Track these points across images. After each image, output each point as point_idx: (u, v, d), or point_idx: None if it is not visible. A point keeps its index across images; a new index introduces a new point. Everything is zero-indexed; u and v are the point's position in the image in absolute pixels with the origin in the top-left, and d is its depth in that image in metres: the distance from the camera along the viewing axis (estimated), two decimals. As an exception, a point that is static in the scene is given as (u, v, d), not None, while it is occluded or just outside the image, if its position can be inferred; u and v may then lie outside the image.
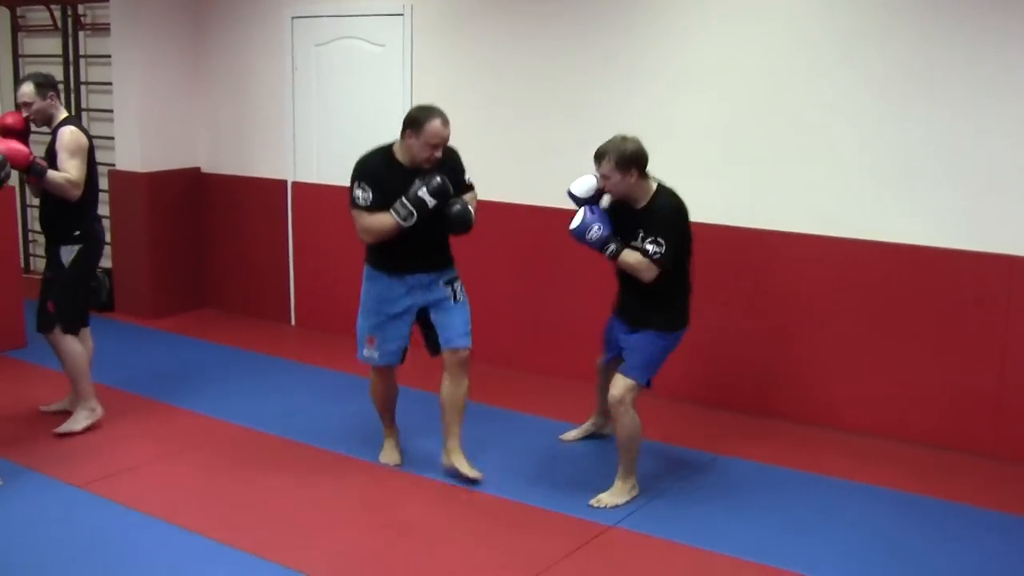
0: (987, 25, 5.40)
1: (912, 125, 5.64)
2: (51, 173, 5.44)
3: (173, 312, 8.47)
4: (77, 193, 5.55)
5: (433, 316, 5.23)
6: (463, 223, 5.08)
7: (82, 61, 9.03)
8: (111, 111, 8.44)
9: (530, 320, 7.03)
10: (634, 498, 5.02)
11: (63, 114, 5.70)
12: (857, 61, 5.75)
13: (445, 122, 4.96)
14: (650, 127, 6.37)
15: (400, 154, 5.10)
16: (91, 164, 5.69)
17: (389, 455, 5.51)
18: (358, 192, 5.08)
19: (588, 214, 4.93)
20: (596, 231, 4.89)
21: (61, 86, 9.09)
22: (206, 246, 8.71)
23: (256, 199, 8.32)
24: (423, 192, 4.91)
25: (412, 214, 4.93)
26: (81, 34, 9.00)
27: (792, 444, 5.78)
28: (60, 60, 9.09)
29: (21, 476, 5.24)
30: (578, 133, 6.63)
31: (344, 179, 7.66)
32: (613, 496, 5.01)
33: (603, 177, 4.91)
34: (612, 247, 4.88)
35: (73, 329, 5.76)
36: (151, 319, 8.31)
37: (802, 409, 6.09)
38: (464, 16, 7.11)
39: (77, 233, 5.68)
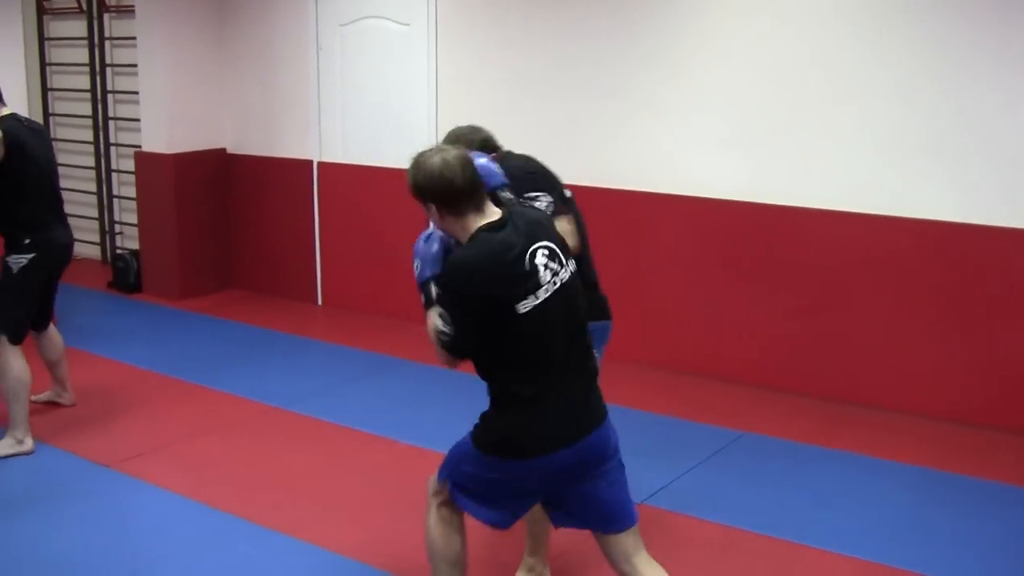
0: (1016, -3, 5.35)
1: (941, 99, 5.58)
2: None
3: (200, 293, 8.50)
4: None
5: None
6: None
7: (107, 43, 9.06)
8: (136, 93, 8.46)
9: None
10: None
11: (5, 110, 5.33)
12: (886, 34, 5.70)
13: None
14: (677, 103, 6.38)
15: None
16: (33, 165, 5.30)
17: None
18: None
19: None
20: None
21: (87, 68, 9.15)
22: (232, 227, 8.73)
23: (282, 179, 8.33)
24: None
25: None
26: (106, 16, 9.03)
27: (818, 421, 5.76)
28: (85, 42, 9.13)
29: (49, 455, 5.31)
30: (608, 110, 6.61)
31: (369, 159, 7.76)
32: None
33: None
34: None
35: (18, 339, 5.34)
36: (178, 300, 8.35)
37: (829, 386, 6.07)
38: (488, -6, 7.10)
39: (27, 242, 5.30)
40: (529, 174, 3.95)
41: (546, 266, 3.12)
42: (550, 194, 3.90)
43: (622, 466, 3.35)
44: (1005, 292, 5.54)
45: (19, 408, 5.28)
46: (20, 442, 5.30)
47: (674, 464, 5.13)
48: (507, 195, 3.46)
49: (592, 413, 3.26)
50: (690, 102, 6.32)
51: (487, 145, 4.06)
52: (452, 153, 3.18)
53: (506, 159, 3.98)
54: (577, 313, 3.25)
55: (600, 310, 4.03)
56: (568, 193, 4.05)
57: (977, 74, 5.47)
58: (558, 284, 3.14)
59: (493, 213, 3.18)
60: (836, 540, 4.40)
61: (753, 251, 6.23)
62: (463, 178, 3.13)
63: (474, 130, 4.13)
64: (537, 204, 3.85)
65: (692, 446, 5.42)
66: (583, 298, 3.29)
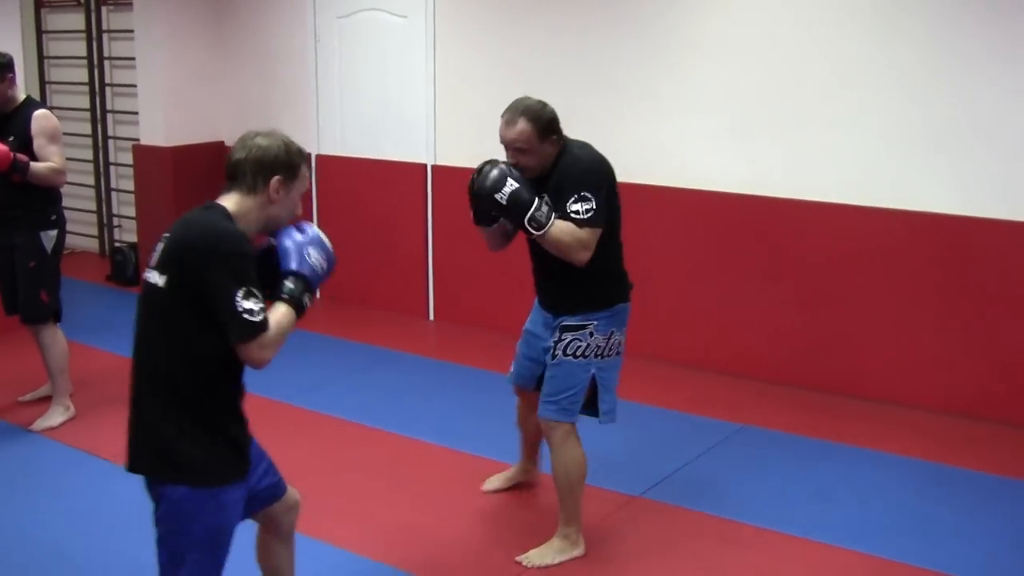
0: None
1: (941, 91, 5.57)
2: (35, 165, 5.19)
3: (199, 286, 8.46)
4: (63, 180, 5.39)
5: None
6: (477, 196, 4.01)
7: (105, 36, 9.04)
8: (134, 86, 8.44)
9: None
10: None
11: (22, 95, 5.45)
12: (885, 27, 5.68)
13: (508, 122, 3.99)
14: (676, 95, 6.37)
15: None
16: None
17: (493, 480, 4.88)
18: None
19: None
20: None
21: (84, 62, 9.13)
22: (231, 220, 8.70)
23: (280, 172, 8.30)
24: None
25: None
26: (104, 9, 9.02)
27: (819, 414, 5.75)
28: (83, 35, 9.11)
29: (47, 448, 5.31)
30: (606, 103, 6.58)
31: (367, 151, 7.74)
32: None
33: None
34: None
35: (59, 319, 5.65)
36: (177, 293, 8.31)
37: (829, 379, 6.06)
38: (486, -14, 7.08)
39: (54, 218, 5.50)
40: (592, 173, 3.99)
41: (157, 256, 3.01)
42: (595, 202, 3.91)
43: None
44: (1005, 285, 5.53)
45: (64, 379, 5.64)
46: (68, 408, 5.65)
47: (674, 457, 5.13)
48: None
49: (132, 453, 3.16)
50: (689, 94, 6.31)
51: (551, 126, 3.99)
52: (255, 134, 3.11)
53: (569, 147, 4.05)
54: (148, 323, 3.14)
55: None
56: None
57: (978, 66, 5.45)
58: (148, 280, 3.03)
59: (223, 199, 3.05)
60: (837, 533, 4.40)
61: (753, 244, 6.21)
62: (230, 156, 3.06)
63: (543, 105, 4.02)
64: (577, 205, 3.89)
65: (692, 439, 5.41)
66: (159, 319, 3.12)
